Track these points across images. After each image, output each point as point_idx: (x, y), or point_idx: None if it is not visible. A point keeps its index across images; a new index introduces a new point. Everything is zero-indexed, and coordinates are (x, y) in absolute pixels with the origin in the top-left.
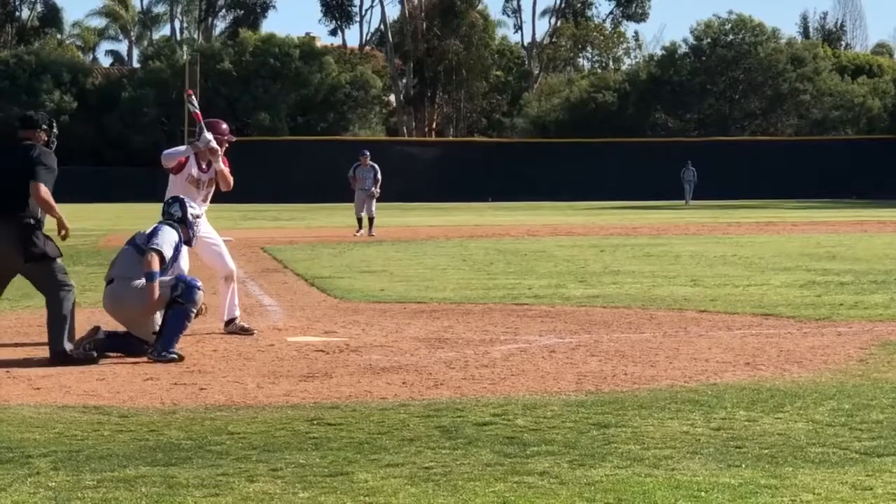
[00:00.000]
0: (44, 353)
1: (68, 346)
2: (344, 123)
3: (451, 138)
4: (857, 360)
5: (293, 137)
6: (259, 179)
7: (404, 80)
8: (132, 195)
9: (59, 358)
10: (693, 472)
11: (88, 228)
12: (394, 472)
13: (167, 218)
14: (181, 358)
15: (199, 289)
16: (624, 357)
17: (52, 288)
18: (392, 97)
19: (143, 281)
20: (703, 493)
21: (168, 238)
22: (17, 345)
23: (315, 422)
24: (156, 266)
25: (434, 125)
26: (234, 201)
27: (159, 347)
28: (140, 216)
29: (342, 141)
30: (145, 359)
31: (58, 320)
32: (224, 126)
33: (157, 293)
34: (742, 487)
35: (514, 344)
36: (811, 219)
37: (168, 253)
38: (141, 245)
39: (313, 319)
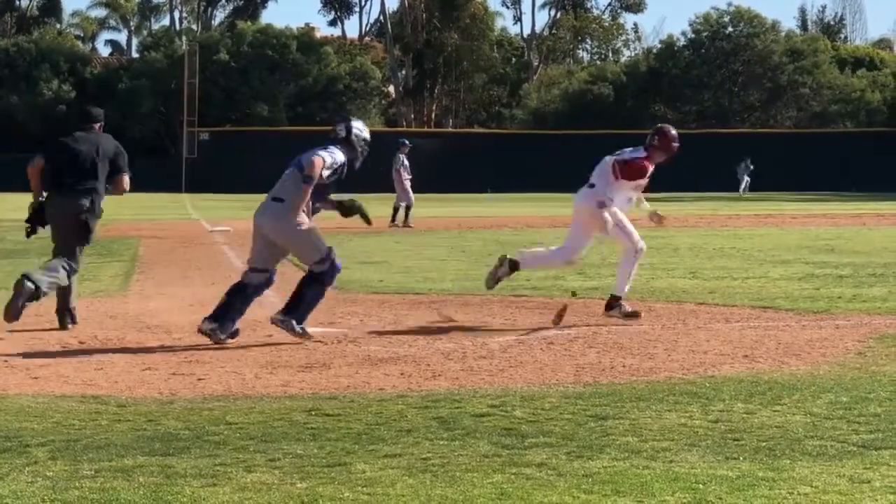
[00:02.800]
0: (42, 343)
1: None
2: (343, 114)
3: (450, 129)
4: (855, 353)
5: (292, 128)
6: (257, 170)
7: (403, 72)
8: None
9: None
10: (691, 464)
11: None
12: (392, 462)
13: (332, 137)
14: (309, 336)
15: (339, 271)
16: (622, 349)
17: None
18: (391, 88)
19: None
20: (700, 486)
21: (335, 156)
22: (16, 331)
23: (313, 412)
24: (315, 169)
25: (433, 116)
26: (233, 191)
27: (291, 319)
28: (138, 206)
29: None
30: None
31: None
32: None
33: (307, 195)
34: (740, 480)
35: (513, 335)
36: (810, 211)
37: (326, 169)
38: (303, 164)
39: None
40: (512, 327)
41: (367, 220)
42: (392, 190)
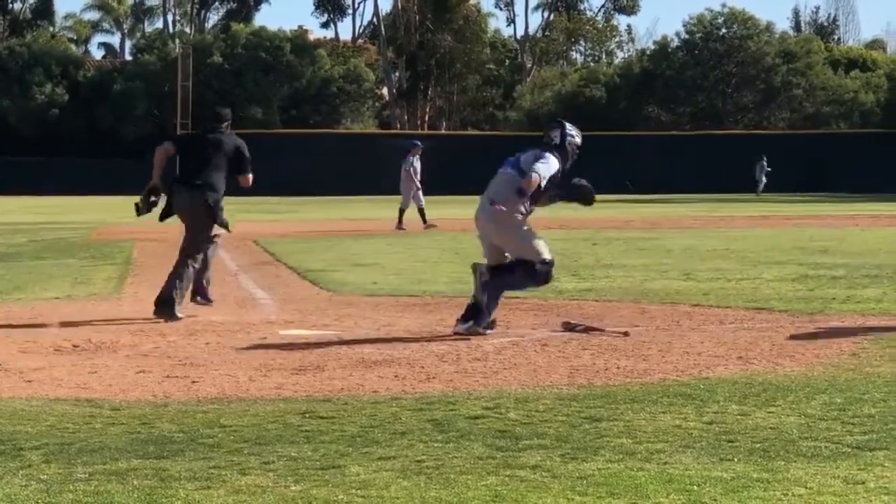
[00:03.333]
0: (36, 346)
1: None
2: (336, 116)
3: (443, 131)
4: (849, 355)
5: (285, 130)
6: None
7: (397, 74)
8: (123, 188)
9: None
10: (685, 465)
11: (80, 221)
12: (386, 465)
13: (546, 142)
14: (491, 325)
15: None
16: (616, 351)
17: (192, 251)
18: (385, 90)
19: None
20: (695, 487)
21: (551, 167)
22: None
23: (307, 415)
24: (532, 187)
25: (427, 118)
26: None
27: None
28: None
29: (335, 134)
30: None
31: (177, 275)
32: None
33: (520, 203)
34: (734, 481)
35: (507, 337)
36: (804, 213)
37: (543, 182)
38: (523, 168)
39: (306, 312)
40: (506, 329)
41: (588, 202)
42: (376, 192)
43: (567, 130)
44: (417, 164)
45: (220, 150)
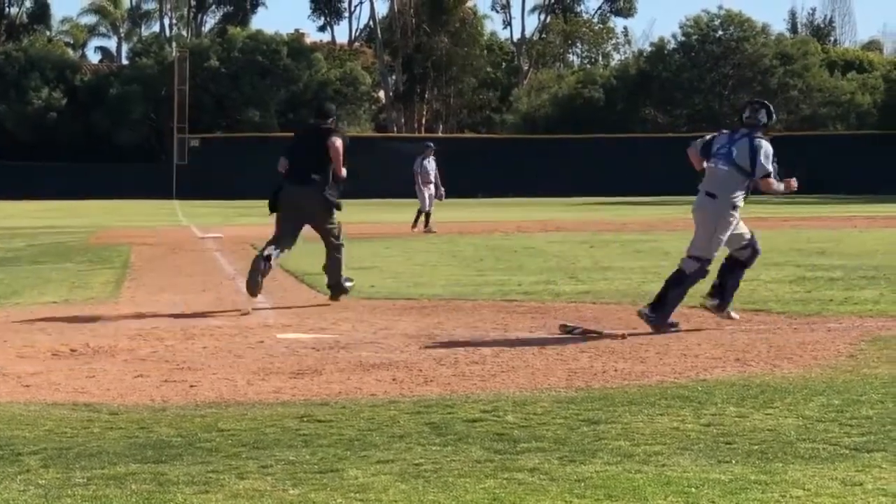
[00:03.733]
0: (33, 350)
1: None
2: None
3: (440, 134)
4: (846, 356)
5: (282, 134)
6: (248, 176)
7: (393, 77)
8: (120, 192)
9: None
10: (683, 468)
11: (77, 225)
12: (384, 468)
13: (752, 123)
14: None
15: (759, 254)
16: (614, 353)
17: (330, 238)
18: (381, 93)
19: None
20: (693, 489)
21: (771, 155)
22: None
23: (305, 419)
24: (771, 188)
25: (424, 121)
26: (224, 198)
27: (725, 303)
28: (129, 213)
29: None
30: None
31: (334, 261)
32: None
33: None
34: (732, 483)
35: (505, 340)
36: (801, 214)
37: (771, 159)
38: (741, 165)
39: (303, 316)
40: (504, 332)
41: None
42: (372, 196)
43: (772, 110)
44: (429, 165)
45: (320, 145)
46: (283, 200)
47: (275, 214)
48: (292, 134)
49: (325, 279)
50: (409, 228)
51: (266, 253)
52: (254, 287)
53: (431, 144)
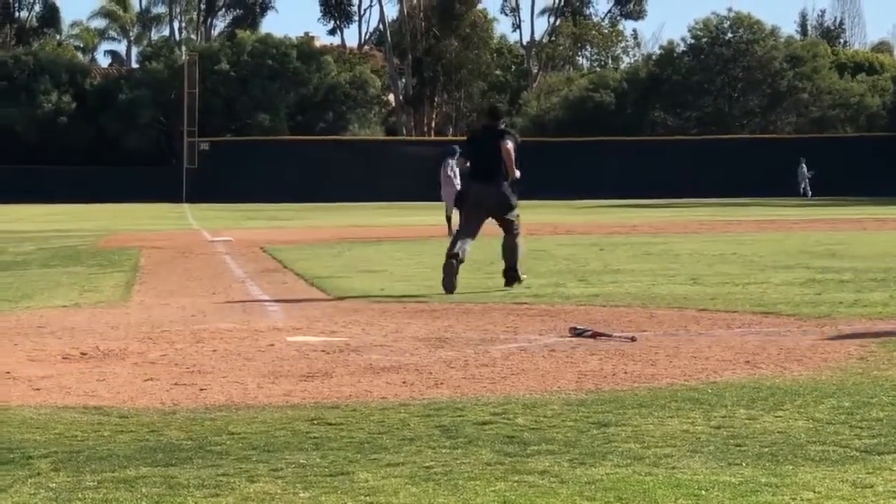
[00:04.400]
0: (44, 354)
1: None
2: (343, 123)
3: (450, 137)
4: (857, 358)
5: (292, 137)
6: (258, 179)
7: (403, 80)
8: (130, 195)
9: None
10: (693, 470)
11: (87, 229)
12: (394, 471)
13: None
14: None
15: None
16: (624, 356)
17: (511, 229)
18: (391, 97)
19: None
20: (703, 492)
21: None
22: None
23: (315, 421)
24: None
25: (433, 125)
26: (234, 201)
27: None
28: (138, 216)
29: (341, 141)
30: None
31: (511, 250)
32: None
33: None
34: (742, 486)
35: (514, 343)
36: (810, 216)
37: None
38: None
39: (313, 319)
40: (514, 335)
41: None
42: (383, 199)
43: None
44: (457, 169)
45: (494, 145)
46: (469, 197)
47: (461, 210)
48: (465, 137)
49: (328, 283)
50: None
51: (455, 251)
52: (450, 286)
53: (458, 147)
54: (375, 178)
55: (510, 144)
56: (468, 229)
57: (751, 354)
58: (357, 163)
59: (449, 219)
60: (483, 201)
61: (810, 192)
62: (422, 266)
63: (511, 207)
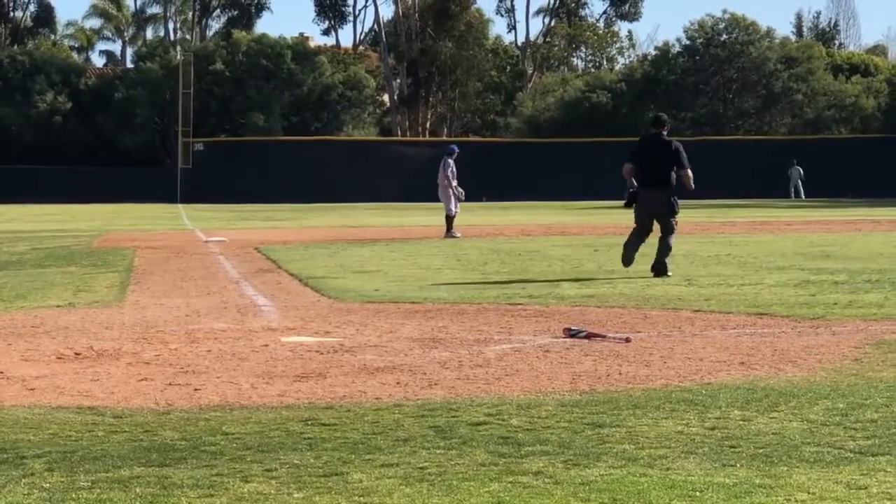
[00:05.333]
0: (38, 354)
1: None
2: (338, 123)
3: (444, 138)
4: (851, 360)
5: (287, 137)
6: (252, 180)
7: (398, 80)
8: (125, 195)
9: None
10: (688, 471)
11: (82, 229)
12: (388, 472)
13: None
14: None
15: None
16: (618, 357)
17: (669, 230)
18: (386, 97)
19: None
20: (697, 493)
21: None
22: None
23: (309, 422)
24: None
25: (428, 125)
26: (228, 202)
27: None
28: (133, 216)
29: (336, 141)
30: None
31: (666, 246)
32: None
33: None
34: (737, 487)
35: (509, 344)
36: (805, 218)
37: None
38: None
39: (307, 320)
40: (508, 336)
41: None
42: (377, 199)
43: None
44: (455, 169)
45: (667, 152)
46: (640, 200)
47: (633, 209)
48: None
49: (322, 284)
50: (445, 236)
51: (630, 258)
52: (628, 262)
53: (456, 148)
54: (370, 179)
55: (686, 167)
56: (643, 229)
57: (745, 355)
58: (352, 163)
59: (449, 218)
60: (652, 205)
61: (803, 195)
62: (416, 267)
63: (675, 213)
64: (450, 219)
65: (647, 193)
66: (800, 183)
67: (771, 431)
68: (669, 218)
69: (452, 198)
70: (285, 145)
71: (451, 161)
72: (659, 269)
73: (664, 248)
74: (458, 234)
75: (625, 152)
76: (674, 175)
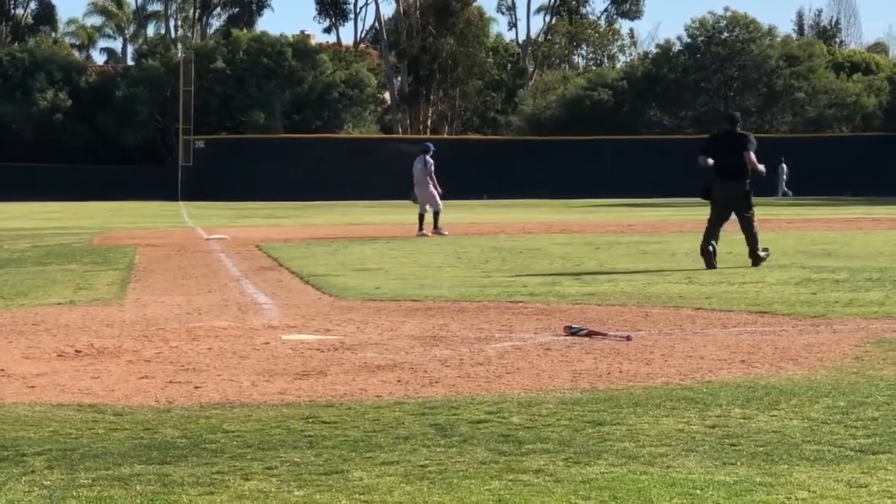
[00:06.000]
0: (38, 351)
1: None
2: (338, 121)
3: (445, 136)
4: (852, 358)
5: (288, 135)
6: (253, 177)
7: (399, 78)
8: (125, 193)
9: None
10: (688, 469)
11: (82, 227)
12: (389, 470)
13: None
14: None
15: None
16: (619, 355)
17: (749, 225)
18: (387, 95)
19: None
20: (698, 491)
21: None
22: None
23: (310, 420)
24: None
25: (429, 123)
26: (229, 199)
27: None
28: (134, 214)
29: (337, 139)
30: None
31: (752, 236)
32: None
33: None
34: (737, 485)
35: (510, 342)
36: (806, 216)
37: None
38: None
39: (308, 317)
40: (509, 333)
41: None
42: (378, 197)
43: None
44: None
45: (741, 145)
46: (715, 193)
47: (710, 202)
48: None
49: (323, 282)
50: (430, 232)
51: (709, 241)
52: (711, 265)
53: (431, 145)
54: (371, 177)
55: (752, 153)
56: (719, 220)
57: (746, 354)
58: (353, 161)
59: (422, 216)
60: (729, 198)
61: (790, 192)
62: (417, 265)
63: (751, 205)
64: (422, 217)
65: (723, 186)
66: (783, 181)
67: (771, 429)
68: (746, 211)
69: (436, 195)
70: (286, 143)
71: (430, 159)
72: (756, 257)
73: (752, 239)
74: (445, 232)
75: (626, 151)
76: (762, 166)
